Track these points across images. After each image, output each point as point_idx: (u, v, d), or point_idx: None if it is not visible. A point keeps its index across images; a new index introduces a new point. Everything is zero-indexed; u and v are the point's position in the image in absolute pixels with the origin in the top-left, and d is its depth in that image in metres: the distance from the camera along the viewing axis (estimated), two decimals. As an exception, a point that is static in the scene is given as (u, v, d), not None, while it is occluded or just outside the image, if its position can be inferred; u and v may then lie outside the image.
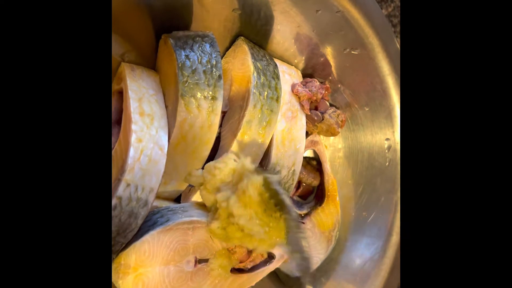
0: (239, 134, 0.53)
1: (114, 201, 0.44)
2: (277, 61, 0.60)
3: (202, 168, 0.53)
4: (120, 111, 0.51)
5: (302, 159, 0.59)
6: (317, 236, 0.63)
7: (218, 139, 0.57)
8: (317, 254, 0.63)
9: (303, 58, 0.63)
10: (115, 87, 0.52)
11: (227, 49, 0.59)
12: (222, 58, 0.59)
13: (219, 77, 0.50)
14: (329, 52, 0.61)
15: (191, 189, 0.56)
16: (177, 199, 0.57)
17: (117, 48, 0.51)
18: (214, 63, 0.50)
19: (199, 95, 0.49)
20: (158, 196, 0.55)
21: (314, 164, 0.67)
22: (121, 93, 0.52)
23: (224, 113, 0.57)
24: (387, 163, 0.63)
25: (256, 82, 0.53)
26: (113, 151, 0.49)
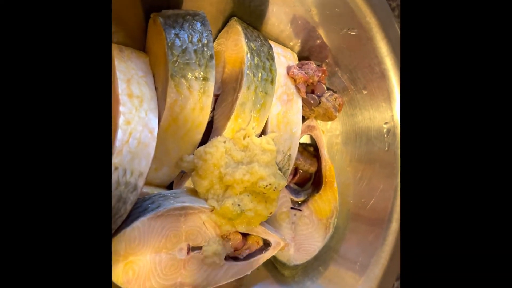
0: (232, 117, 0.51)
1: (101, 185, 0.42)
2: (272, 43, 0.58)
3: (195, 153, 0.51)
4: (108, 94, 0.49)
5: (298, 143, 0.57)
6: (315, 223, 0.61)
7: (210, 123, 0.55)
8: (315, 242, 0.61)
9: (299, 40, 0.61)
10: (102, 68, 0.50)
11: (220, 31, 0.57)
12: (214, 40, 0.57)
13: (211, 56, 0.48)
14: (325, 33, 0.59)
15: (183, 175, 0.54)
16: (169, 187, 0.56)
17: (104, 28, 0.49)
18: (206, 42, 0.48)
19: (189, 75, 0.47)
20: (150, 183, 0.53)
21: (311, 150, 0.65)
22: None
23: (217, 97, 0.55)
24: (386, 148, 0.61)
25: (250, 63, 0.51)
26: (100, 135, 0.47)
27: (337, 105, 0.60)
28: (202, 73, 0.47)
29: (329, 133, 0.67)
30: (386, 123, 0.61)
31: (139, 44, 0.53)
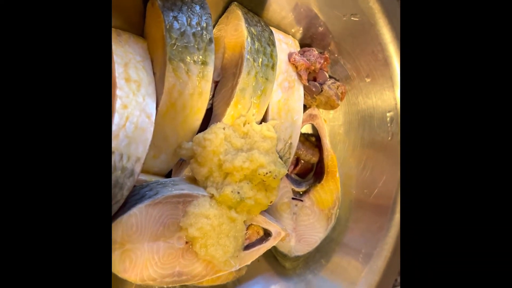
0: (232, 103, 0.49)
1: (97, 170, 0.41)
2: (273, 29, 0.56)
3: (194, 140, 0.50)
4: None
5: (299, 132, 0.56)
6: (316, 214, 0.60)
7: (210, 110, 0.54)
8: (316, 233, 0.60)
9: (301, 27, 0.60)
10: (99, 53, 0.49)
11: (220, 16, 0.56)
12: (214, 26, 0.56)
13: (210, 40, 0.47)
14: (328, 19, 0.58)
15: (182, 163, 0.53)
16: (168, 175, 0.54)
17: (101, 11, 0.48)
18: (205, 25, 0.47)
19: (188, 59, 0.46)
20: (147, 171, 0.52)
21: (313, 140, 0.64)
22: (106, 60, 0.49)
23: (216, 83, 0.54)
24: (389, 137, 0.60)
25: (250, 48, 0.50)
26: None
27: (339, 93, 0.58)
28: (201, 57, 0.46)
29: (331, 123, 0.65)
30: (389, 111, 0.60)
31: (137, 29, 0.52)
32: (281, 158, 0.54)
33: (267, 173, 0.49)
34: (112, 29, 0.49)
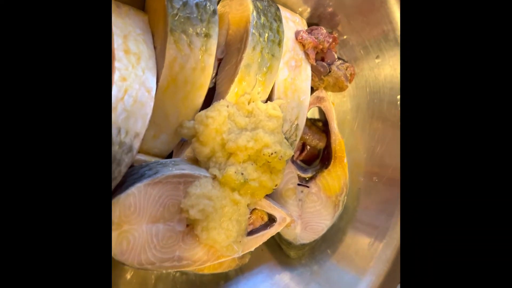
0: (236, 80, 0.47)
1: (93, 143, 0.39)
2: (280, 7, 0.54)
3: (196, 120, 0.48)
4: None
5: (306, 113, 0.53)
6: (323, 200, 0.58)
7: (213, 90, 0.51)
8: (323, 220, 0.57)
9: (309, 7, 0.57)
10: (98, 25, 0.47)
11: (224, -7, 0.54)
12: (218, 2, 0.54)
13: (214, 12, 0.45)
14: (337, -2, 0.55)
15: (183, 143, 0.51)
16: (169, 157, 0.52)
17: (101, -18, 0.46)
18: (208, -4, 0.45)
19: (190, 30, 0.44)
20: (147, 152, 0.50)
21: (319, 125, 0.62)
22: (105, 33, 0.46)
23: (219, 61, 0.52)
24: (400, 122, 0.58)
25: (256, 22, 0.47)
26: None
27: (348, 75, 0.56)
28: (204, 29, 0.44)
29: (338, 107, 0.63)
30: (400, 95, 0.57)
31: (138, 4, 0.50)
32: (286, 139, 0.51)
33: (272, 154, 0.46)
34: (112, 1, 0.47)
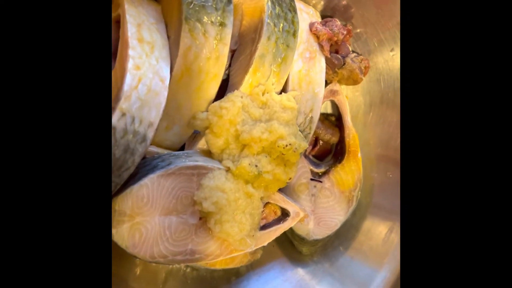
0: (250, 71, 0.46)
1: (106, 132, 0.38)
2: (293, -1, 0.53)
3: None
4: (117, 42, 0.45)
5: (320, 106, 0.52)
6: (336, 196, 0.56)
7: (226, 81, 0.51)
8: (336, 215, 0.56)
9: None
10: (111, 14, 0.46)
11: (238, -16, 0.53)
12: (232, -6, 0.53)
13: (229, 1, 0.44)
14: (351, -11, 0.55)
15: (196, 136, 0.50)
16: (181, 150, 0.51)
17: (114, -29, 0.46)
18: (223, -16, 0.44)
19: (205, 19, 0.43)
20: (159, 145, 0.49)
21: (332, 119, 0.61)
22: (118, 22, 0.46)
23: (233, 52, 0.51)
24: (415, 116, 0.57)
25: (271, 12, 0.47)
26: (107, 82, 0.43)
27: (363, 67, 0.55)
28: (219, 18, 0.43)
29: (351, 101, 0.62)
30: (415, 88, 0.56)
31: (151, -6, 0.49)
32: (301, 132, 0.50)
33: (286, 146, 0.45)
34: (125, -10, 0.46)
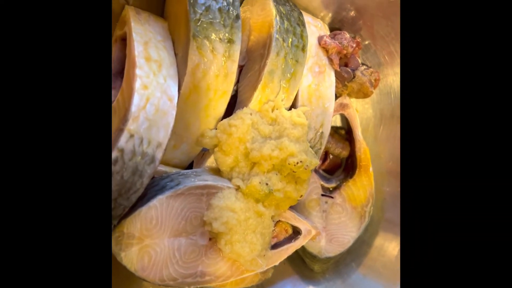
0: (259, 87, 0.45)
1: (115, 154, 0.37)
2: (301, 12, 0.52)
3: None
4: (123, 61, 0.45)
5: (331, 120, 0.51)
6: (348, 211, 0.55)
7: (234, 98, 0.50)
8: (349, 232, 0.55)
9: (330, 12, 0.56)
10: (117, 32, 0.46)
11: (244, -2, 0.53)
12: (239, 8, 0.52)
13: (237, 16, 0.43)
14: (359, 2, 0.54)
15: (204, 154, 0.49)
16: (189, 168, 0.50)
17: (120, -12, 0.45)
18: (231, 0, 0.43)
19: (213, 36, 0.42)
20: (167, 163, 0.48)
21: (342, 133, 0.60)
22: (124, 40, 0.45)
23: (241, 68, 0.50)
24: (427, 128, 0.55)
25: (279, 27, 0.46)
26: (114, 102, 0.42)
27: (373, 80, 0.54)
28: (227, 35, 0.43)
29: (361, 114, 0.61)
30: (427, 100, 0.55)
31: (157, 10, 0.49)
32: (311, 148, 0.49)
33: (297, 163, 0.44)
34: (131, 7, 0.45)
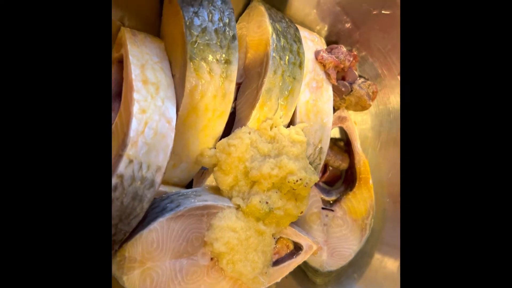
0: (257, 106, 0.45)
1: (114, 180, 0.37)
2: (298, 27, 0.52)
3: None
4: (121, 83, 0.45)
5: (329, 135, 0.51)
6: (349, 224, 0.55)
7: (233, 115, 0.50)
8: (350, 245, 0.55)
9: (326, 24, 0.56)
10: (114, 54, 0.46)
11: (240, 14, 0.52)
12: (235, 24, 0.52)
13: (233, 37, 0.43)
14: (356, 15, 0.54)
15: (204, 172, 0.49)
16: (189, 186, 0.50)
17: (115, 10, 0.45)
18: (227, 21, 0.43)
19: (210, 57, 0.42)
20: (167, 182, 0.48)
21: (341, 145, 0.60)
22: (121, 62, 0.45)
23: (238, 85, 0.50)
24: (426, 140, 0.55)
25: (276, 45, 0.46)
26: (113, 126, 0.42)
27: (370, 93, 0.54)
28: (224, 56, 0.43)
29: (360, 126, 0.61)
30: (425, 111, 0.55)
31: (153, 29, 0.49)
32: (310, 164, 0.49)
33: (297, 181, 0.44)
34: (127, 29, 0.45)
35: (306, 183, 0.45)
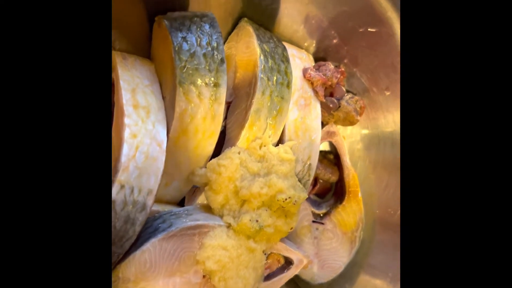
0: (246, 126, 0.47)
1: (106, 206, 0.38)
2: (286, 45, 0.53)
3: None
4: (112, 106, 0.46)
5: (318, 151, 0.52)
6: (339, 237, 0.56)
7: (223, 133, 0.51)
8: (340, 257, 0.56)
9: (314, 40, 0.57)
10: (105, 78, 0.47)
11: (229, 33, 0.53)
12: (224, 43, 0.53)
13: (222, 60, 0.44)
14: (342, 32, 0.55)
15: (195, 190, 0.50)
16: (181, 203, 0.51)
17: (106, 34, 0.46)
18: (215, 45, 0.44)
19: (199, 82, 0.43)
20: (159, 200, 0.49)
21: (331, 158, 0.61)
22: (112, 85, 0.46)
23: (228, 104, 0.51)
24: (413, 153, 0.57)
25: (264, 66, 0.47)
26: (105, 150, 0.43)
27: (358, 108, 0.55)
28: (212, 79, 0.44)
29: (349, 139, 0.62)
30: (412, 125, 0.56)
31: (144, 51, 0.50)
32: (300, 181, 0.50)
33: (286, 199, 0.45)
34: (117, 52, 0.46)
35: (295, 201, 0.46)
